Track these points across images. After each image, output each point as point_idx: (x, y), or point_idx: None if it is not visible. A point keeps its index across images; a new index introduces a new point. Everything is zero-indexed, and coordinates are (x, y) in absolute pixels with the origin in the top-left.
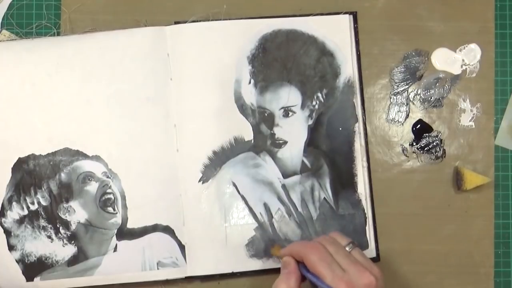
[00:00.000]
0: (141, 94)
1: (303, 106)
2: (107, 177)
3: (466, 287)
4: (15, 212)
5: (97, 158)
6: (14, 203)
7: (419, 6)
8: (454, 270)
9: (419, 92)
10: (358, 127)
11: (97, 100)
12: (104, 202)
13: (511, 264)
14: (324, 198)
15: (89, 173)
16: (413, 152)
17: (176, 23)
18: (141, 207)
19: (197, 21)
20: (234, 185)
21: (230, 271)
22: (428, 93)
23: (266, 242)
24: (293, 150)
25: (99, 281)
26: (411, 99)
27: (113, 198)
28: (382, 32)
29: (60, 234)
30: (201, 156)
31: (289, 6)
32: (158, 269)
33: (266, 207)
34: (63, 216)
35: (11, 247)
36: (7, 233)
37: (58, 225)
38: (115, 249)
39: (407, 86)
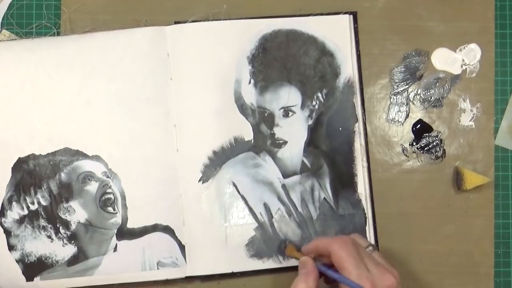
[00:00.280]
0: (141, 94)
1: (303, 106)
2: (107, 177)
3: (466, 287)
4: (15, 212)
5: (97, 158)
6: (14, 203)
7: (419, 6)
8: (454, 270)
9: (419, 92)
10: (358, 127)
11: (97, 100)
12: (104, 202)
13: (511, 264)
14: (324, 198)
15: (89, 173)
16: (413, 152)
17: (176, 23)
18: (141, 207)
19: (197, 21)
20: (234, 185)
21: (230, 271)
22: (428, 93)
23: (266, 242)
24: (293, 150)
25: (99, 281)
26: (411, 99)
27: (113, 198)
28: (382, 32)
29: (60, 234)
30: (201, 156)
31: (289, 6)
32: (158, 269)
33: (266, 207)
34: (63, 216)
35: (11, 247)
36: (7, 233)
37: (58, 225)
38: (115, 249)
39: (407, 86)
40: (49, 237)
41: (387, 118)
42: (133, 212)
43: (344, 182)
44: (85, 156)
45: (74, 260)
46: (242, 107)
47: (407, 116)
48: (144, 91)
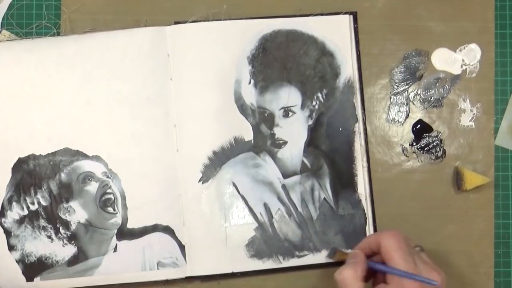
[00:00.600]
0: (141, 94)
1: (303, 106)
2: (107, 177)
3: (466, 287)
4: (15, 212)
5: (97, 158)
6: (14, 203)
7: (419, 6)
8: (454, 270)
9: (419, 92)
10: (358, 127)
11: (97, 100)
12: (104, 202)
13: (511, 264)
14: (324, 198)
15: (89, 173)
16: (413, 152)
17: (176, 23)
18: (141, 207)
19: (197, 21)
20: (234, 185)
21: (230, 271)
22: (428, 93)
23: (266, 242)
24: (293, 150)
25: (99, 281)
26: (411, 99)
27: (113, 198)
28: (382, 32)
29: (60, 234)
30: (201, 156)
31: (289, 6)
32: (158, 269)
33: (266, 207)
34: (63, 216)
35: (11, 247)
36: (7, 233)
37: (58, 225)
38: (115, 249)
39: (407, 86)
40: (49, 237)
41: (387, 118)
42: (133, 212)
43: (344, 182)
44: (85, 156)
45: (74, 260)
46: (242, 107)
47: (407, 116)
48: (144, 91)
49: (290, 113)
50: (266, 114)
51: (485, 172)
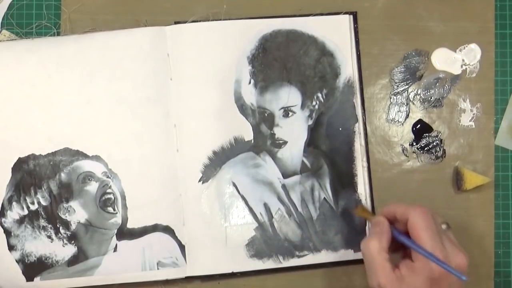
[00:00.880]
0: (141, 94)
1: (303, 106)
2: (107, 177)
3: (466, 287)
4: (15, 212)
5: (97, 158)
6: (14, 203)
7: (419, 6)
8: None
9: (419, 92)
10: (358, 127)
11: (97, 100)
12: (104, 202)
13: (511, 264)
14: (324, 198)
15: (89, 173)
16: (413, 152)
17: (176, 23)
18: (141, 207)
19: (197, 21)
20: (234, 185)
21: (230, 271)
22: (428, 93)
23: (266, 242)
24: (293, 150)
25: (99, 281)
26: (411, 99)
27: (113, 198)
28: (382, 32)
29: (60, 234)
30: (201, 156)
31: (289, 6)
32: (158, 269)
33: (266, 207)
34: (63, 216)
35: (11, 247)
36: (7, 233)
37: (58, 225)
38: (115, 249)
39: (407, 86)
40: (49, 237)
41: (387, 118)
42: (133, 212)
43: (344, 182)
44: (85, 156)
45: (74, 260)
46: (242, 107)
47: (407, 116)
48: (144, 91)
49: (290, 113)
50: (266, 114)
51: (485, 172)
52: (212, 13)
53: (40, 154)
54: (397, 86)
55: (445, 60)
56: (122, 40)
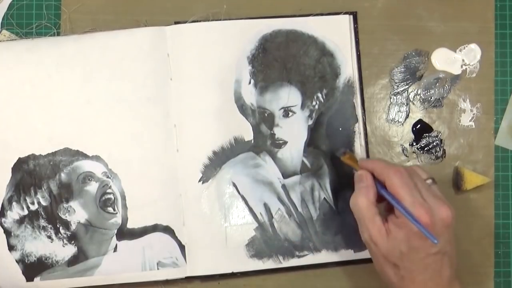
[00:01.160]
0: (141, 94)
1: (303, 106)
2: (107, 177)
3: (466, 287)
4: (15, 212)
5: (97, 158)
6: (14, 203)
7: (419, 6)
8: None
9: (419, 92)
10: (358, 127)
11: (97, 100)
12: (104, 202)
13: (511, 264)
14: (324, 198)
15: (89, 173)
16: (413, 152)
17: (176, 23)
18: (141, 207)
19: (197, 21)
20: (234, 185)
21: (230, 271)
22: (428, 93)
23: (266, 242)
24: (293, 150)
25: (99, 281)
26: (411, 99)
27: (113, 198)
28: (382, 32)
29: (60, 234)
30: (201, 156)
31: (289, 6)
32: (158, 269)
33: (266, 207)
34: (63, 216)
35: (11, 247)
36: (7, 233)
37: (58, 225)
38: (115, 249)
39: (407, 86)
40: (49, 237)
41: (387, 118)
42: (133, 212)
43: (344, 182)
44: (85, 156)
45: (74, 260)
46: (242, 107)
47: (407, 116)
48: (144, 91)
49: (290, 113)
50: (266, 114)
51: (485, 172)
52: (212, 13)
53: (40, 154)
54: (397, 86)
55: (445, 60)
56: (122, 40)
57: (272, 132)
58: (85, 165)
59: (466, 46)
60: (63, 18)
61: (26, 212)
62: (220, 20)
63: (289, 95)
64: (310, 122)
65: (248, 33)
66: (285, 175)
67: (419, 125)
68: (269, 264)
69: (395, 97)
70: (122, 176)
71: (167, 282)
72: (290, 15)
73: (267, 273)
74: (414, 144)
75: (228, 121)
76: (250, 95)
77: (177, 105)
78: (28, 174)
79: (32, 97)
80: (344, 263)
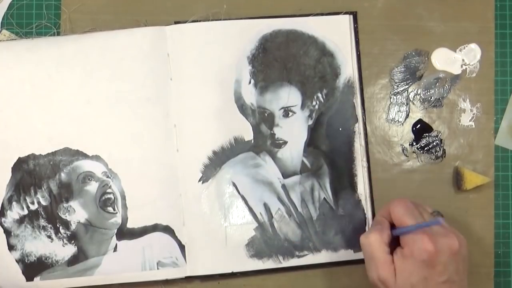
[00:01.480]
0: (141, 94)
1: (303, 106)
2: (107, 177)
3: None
4: (15, 212)
5: (97, 158)
6: (14, 203)
7: (419, 6)
8: None
9: (419, 92)
10: (358, 127)
11: (97, 100)
12: (104, 202)
13: (511, 264)
14: (324, 198)
15: (89, 173)
16: (413, 152)
17: (176, 23)
18: (141, 207)
19: (197, 21)
20: (234, 185)
21: (230, 271)
22: (428, 93)
23: (266, 242)
24: (293, 150)
25: (99, 281)
26: (411, 99)
27: (113, 198)
28: (382, 32)
29: (60, 234)
30: (201, 156)
31: (289, 6)
32: (158, 269)
33: (266, 207)
34: (63, 216)
35: (11, 247)
36: (7, 233)
37: (58, 225)
38: (115, 249)
39: (407, 86)
40: (49, 237)
41: (387, 118)
42: (133, 212)
43: (344, 182)
44: (85, 156)
45: (74, 260)
46: (242, 107)
47: (407, 116)
48: (144, 91)
49: (290, 113)
50: (266, 114)
51: (485, 172)
52: (212, 13)
53: (40, 154)
54: (397, 86)
55: (445, 60)
56: (122, 40)
57: (272, 132)
58: (85, 165)
59: (466, 46)
60: (63, 18)
61: (26, 212)
62: (220, 20)
63: (289, 95)
64: (310, 122)
65: (248, 33)
66: (285, 175)
67: (419, 125)
68: (269, 264)
69: (395, 97)
70: (122, 176)
71: (167, 282)
72: (290, 15)
73: (267, 273)
74: (414, 144)
75: (228, 121)
76: (250, 95)
77: (177, 105)
78: (28, 174)
79: (32, 97)
80: (344, 263)
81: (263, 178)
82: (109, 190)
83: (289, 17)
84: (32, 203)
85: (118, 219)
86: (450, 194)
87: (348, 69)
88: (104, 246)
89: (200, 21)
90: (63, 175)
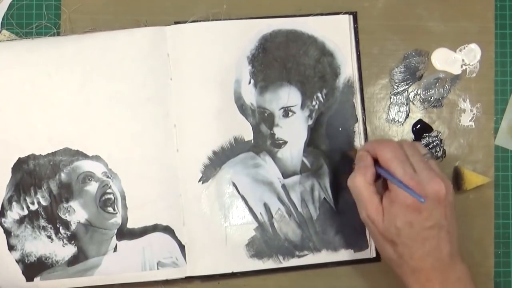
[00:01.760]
0: (141, 94)
1: (303, 106)
2: (107, 177)
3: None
4: (15, 212)
5: (97, 158)
6: (14, 203)
7: (419, 6)
8: None
9: (419, 92)
10: (358, 127)
11: (97, 100)
12: (104, 202)
13: (511, 264)
14: (324, 198)
15: (89, 173)
16: None
17: (176, 23)
18: (141, 207)
19: (197, 21)
20: (234, 185)
21: (230, 271)
22: (428, 93)
23: (266, 242)
24: (293, 150)
25: (99, 281)
26: (411, 99)
27: (113, 198)
28: (382, 32)
29: (60, 234)
30: (201, 156)
31: (289, 6)
32: (158, 269)
33: (266, 207)
34: (63, 216)
35: (11, 247)
36: (7, 233)
37: (58, 225)
38: (115, 249)
39: (407, 86)
40: (49, 237)
41: (387, 118)
42: (133, 212)
43: (344, 182)
44: (85, 156)
45: (74, 260)
46: (242, 107)
47: (407, 116)
48: (144, 91)
49: (290, 113)
50: (266, 114)
51: (485, 172)
52: (212, 13)
53: (40, 154)
54: (397, 86)
55: (445, 60)
56: (122, 40)
57: (272, 132)
58: (85, 165)
59: (466, 46)
60: (63, 18)
61: (26, 212)
62: (220, 20)
63: (289, 95)
64: (310, 122)
65: (248, 33)
66: (285, 175)
67: (419, 125)
68: (269, 264)
69: (395, 97)
70: (122, 176)
71: (167, 282)
72: (290, 15)
73: (267, 273)
74: None
75: (228, 121)
76: (250, 95)
77: (177, 105)
78: (28, 174)
79: (32, 97)
80: (344, 263)
81: (263, 178)
82: (109, 190)
83: (289, 17)
84: (32, 203)
85: (118, 219)
86: None
87: (348, 69)
88: (104, 246)
89: (200, 21)
90: (63, 175)
